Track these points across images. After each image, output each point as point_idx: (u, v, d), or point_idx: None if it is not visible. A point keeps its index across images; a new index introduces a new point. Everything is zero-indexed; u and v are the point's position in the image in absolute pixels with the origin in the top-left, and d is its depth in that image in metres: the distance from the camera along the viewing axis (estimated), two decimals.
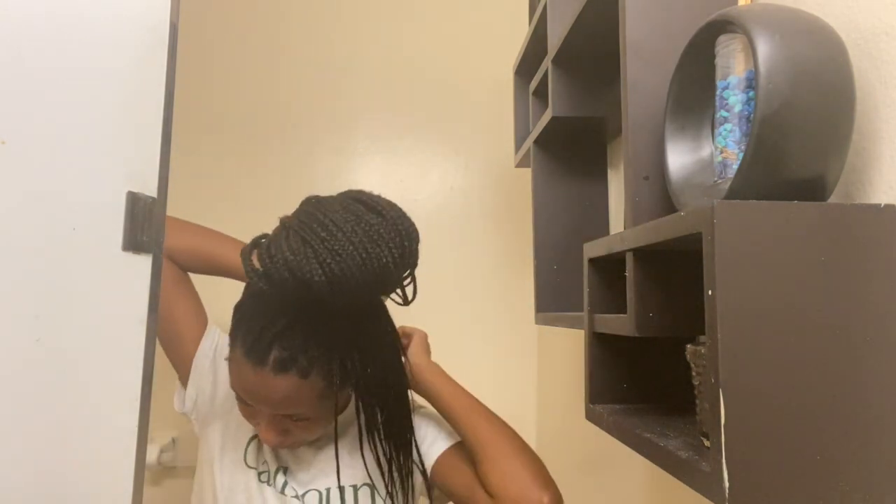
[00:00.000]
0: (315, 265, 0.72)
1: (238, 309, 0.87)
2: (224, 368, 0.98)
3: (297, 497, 0.93)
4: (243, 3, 1.81)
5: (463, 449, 0.94)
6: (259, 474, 0.93)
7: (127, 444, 0.82)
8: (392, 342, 0.92)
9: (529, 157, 1.23)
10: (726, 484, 0.43)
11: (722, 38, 0.57)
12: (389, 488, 0.94)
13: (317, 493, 0.94)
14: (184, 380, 0.99)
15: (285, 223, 0.79)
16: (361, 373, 0.86)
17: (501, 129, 1.69)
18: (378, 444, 0.91)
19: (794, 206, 0.46)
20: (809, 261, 0.46)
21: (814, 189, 0.51)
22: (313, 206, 0.79)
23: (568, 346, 1.42)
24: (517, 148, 1.40)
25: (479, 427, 0.91)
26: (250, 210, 1.67)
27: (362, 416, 0.90)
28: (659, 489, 1.00)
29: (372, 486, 0.96)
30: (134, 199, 0.78)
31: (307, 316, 0.82)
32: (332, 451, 0.96)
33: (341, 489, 0.95)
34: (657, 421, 0.64)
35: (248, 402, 0.85)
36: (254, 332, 0.82)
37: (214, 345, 0.98)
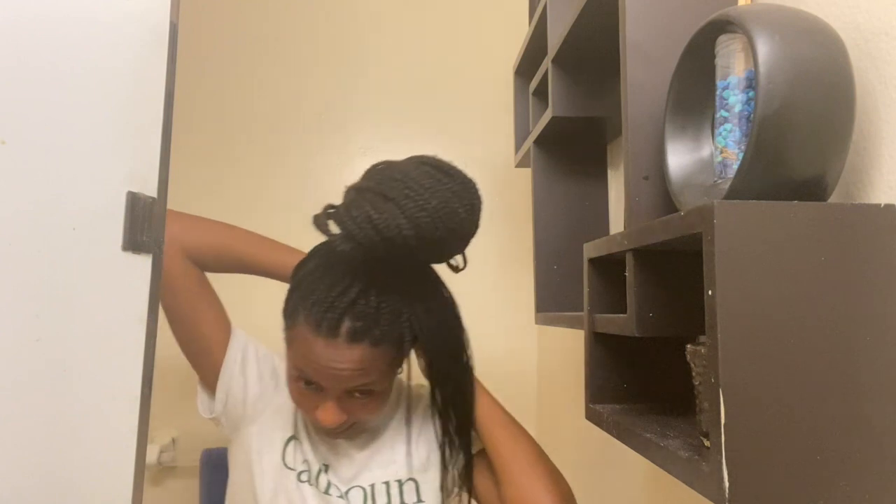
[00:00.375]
0: (402, 220, 0.74)
1: (296, 288, 0.86)
2: (252, 371, 0.96)
3: (341, 496, 0.91)
4: (243, 3, 1.81)
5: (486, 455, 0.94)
6: (299, 474, 0.92)
7: (127, 444, 0.82)
8: (455, 308, 0.92)
9: (529, 157, 1.23)
10: (726, 484, 0.43)
11: (722, 38, 0.57)
12: (452, 465, 0.93)
13: (361, 490, 0.93)
14: (208, 384, 0.97)
15: (358, 187, 0.80)
16: (430, 338, 0.86)
17: (501, 129, 1.69)
18: (445, 416, 0.90)
19: (794, 206, 0.46)
20: (809, 261, 0.46)
21: (814, 189, 0.51)
22: (386, 169, 0.81)
23: (568, 346, 1.42)
24: (517, 148, 1.40)
25: (501, 441, 0.91)
26: (250, 210, 1.67)
27: (434, 390, 0.90)
28: (659, 489, 1.00)
29: (416, 482, 0.95)
30: (134, 199, 0.78)
31: (378, 282, 0.82)
32: (376, 447, 0.96)
33: (386, 484, 0.94)
34: (657, 421, 0.64)
35: (315, 379, 0.83)
36: (323, 305, 0.81)
37: (242, 348, 0.96)
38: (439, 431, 0.93)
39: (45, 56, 0.67)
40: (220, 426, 0.98)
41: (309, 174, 1.75)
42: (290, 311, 0.86)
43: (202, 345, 0.94)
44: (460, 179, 0.80)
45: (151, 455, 1.59)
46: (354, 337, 0.81)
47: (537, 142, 1.19)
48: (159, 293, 0.75)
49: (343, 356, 0.81)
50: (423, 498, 0.94)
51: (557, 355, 1.51)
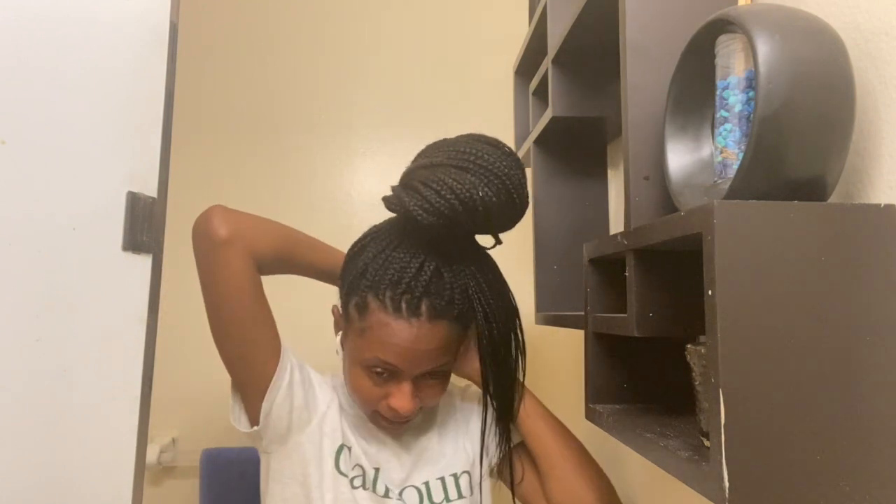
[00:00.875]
0: (483, 188, 0.77)
1: (360, 278, 0.85)
2: (297, 380, 0.90)
3: (398, 499, 0.91)
4: (243, 3, 1.81)
5: (525, 449, 0.94)
6: (352, 480, 0.90)
7: (127, 444, 0.82)
8: (506, 283, 0.94)
9: (529, 157, 1.23)
10: (726, 484, 0.43)
11: (722, 38, 0.57)
12: (503, 449, 0.93)
13: (415, 490, 0.92)
14: (248, 393, 0.91)
15: (428, 164, 0.81)
16: (492, 310, 0.87)
17: (501, 129, 1.68)
18: (491, 400, 0.90)
19: (794, 206, 0.46)
20: (809, 261, 0.46)
21: (814, 189, 0.51)
22: (447, 145, 0.83)
23: (568, 346, 1.42)
24: (517, 148, 1.40)
25: (547, 439, 0.91)
26: (250, 210, 1.67)
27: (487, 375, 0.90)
28: (659, 489, 1.00)
29: (469, 474, 0.95)
30: (134, 199, 0.78)
31: (445, 259, 0.84)
32: (424, 444, 0.95)
33: (441, 479, 0.93)
34: (657, 421, 0.64)
35: (396, 363, 0.83)
36: (399, 287, 0.82)
37: (289, 363, 0.92)
38: (485, 419, 0.92)
39: (45, 56, 0.67)
40: (259, 439, 0.93)
41: (309, 174, 1.74)
42: (359, 302, 0.85)
43: (252, 353, 0.89)
44: (510, 151, 0.84)
45: (151, 455, 1.59)
46: (435, 314, 0.82)
47: (537, 142, 1.19)
48: (159, 293, 0.75)
49: (426, 335, 0.82)
50: (474, 490, 0.94)
51: (557, 355, 1.51)
